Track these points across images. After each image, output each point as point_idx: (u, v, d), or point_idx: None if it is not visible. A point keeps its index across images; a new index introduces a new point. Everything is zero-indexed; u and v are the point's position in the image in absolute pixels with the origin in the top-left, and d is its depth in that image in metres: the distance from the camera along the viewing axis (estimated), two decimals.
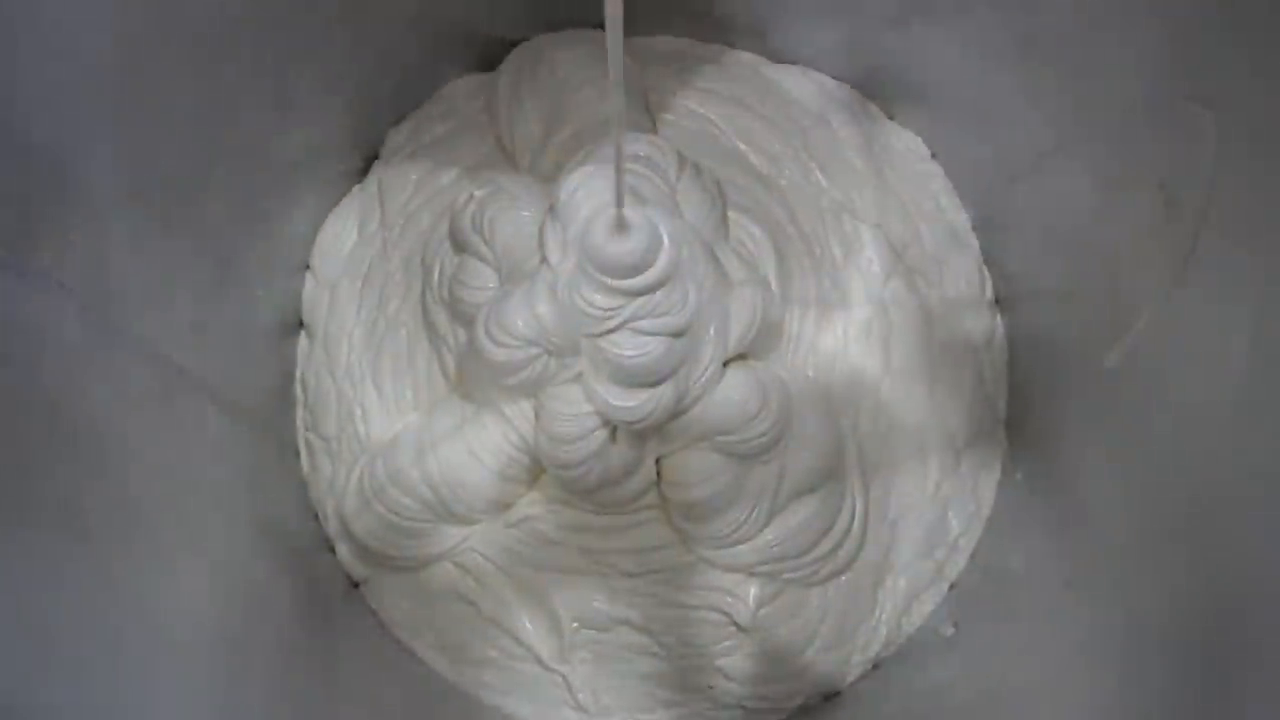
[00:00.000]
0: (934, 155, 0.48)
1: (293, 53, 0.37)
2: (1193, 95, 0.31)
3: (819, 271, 0.46)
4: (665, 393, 0.38)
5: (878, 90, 0.48)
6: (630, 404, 0.38)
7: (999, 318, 0.47)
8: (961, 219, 0.48)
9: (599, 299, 0.37)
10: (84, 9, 0.28)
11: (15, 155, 0.27)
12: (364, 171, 0.48)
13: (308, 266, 0.47)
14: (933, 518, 0.46)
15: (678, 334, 0.38)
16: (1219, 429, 0.31)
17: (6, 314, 0.27)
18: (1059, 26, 0.36)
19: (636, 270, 0.36)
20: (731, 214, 0.44)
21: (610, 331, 0.37)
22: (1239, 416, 0.30)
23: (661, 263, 0.36)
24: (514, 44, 0.48)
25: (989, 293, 0.48)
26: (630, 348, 0.37)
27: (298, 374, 0.47)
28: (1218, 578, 0.30)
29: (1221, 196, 0.31)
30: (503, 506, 0.43)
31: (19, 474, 0.27)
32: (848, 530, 0.44)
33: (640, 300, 0.37)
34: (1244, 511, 0.30)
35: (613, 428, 0.39)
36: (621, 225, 0.35)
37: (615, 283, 0.36)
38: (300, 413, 0.47)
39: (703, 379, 0.39)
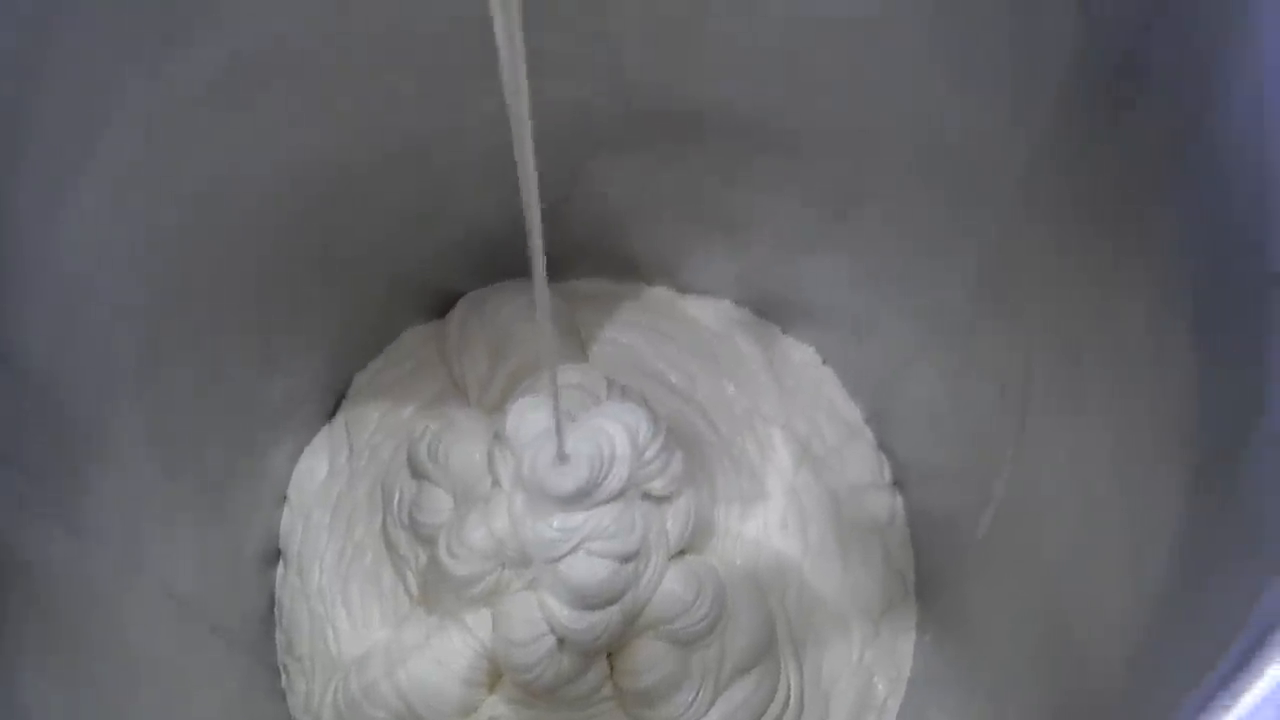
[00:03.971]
0: (825, 361, 0.56)
1: (277, 321, 0.44)
2: (1005, 310, 0.39)
3: (739, 470, 0.53)
4: (614, 615, 0.43)
5: (772, 311, 0.56)
6: (582, 626, 0.42)
7: (898, 497, 0.54)
8: (855, 414, 0.55)
9: (555, 522, 0.42)
10: (117, 292, 0.35)
11: (51, 414, 0.33)
12: (334, 411, 0.54)
13: (286, 499, 0.52)
14: (861, 684, 0.50)
15: (626, 559, 0.43)
16: (1069, 579, 0.37)
17: (28, 549, 0.31)
18: (902, 259, 0.45)
19: (580, 494, 0.42)
20: None
21: (564, 555, 0.42)
22: (1082, 566, 0.36)
23: (611, 486, 0.42)
24: (461, 294, 0.55)
25: (887, 476, 0.54)
26: (582, 570, 0.42)
27: (276, 599, 0.51)
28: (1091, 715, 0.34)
29: (1038, 385, 0.38)
30: (469, 710, 0.46)
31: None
32: (786, 703, 0.48)
33: (593, 523, 0.42)
34: (1100, 651, 0.35)
35: None
36: (562, 455, 0.41)
37: (560, 489, 0.41)
38: (278, 636, 0.50)
39: (647, 591, 0.44)
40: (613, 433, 0.43)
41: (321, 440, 0.54)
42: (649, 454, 0.44)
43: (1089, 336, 0.34)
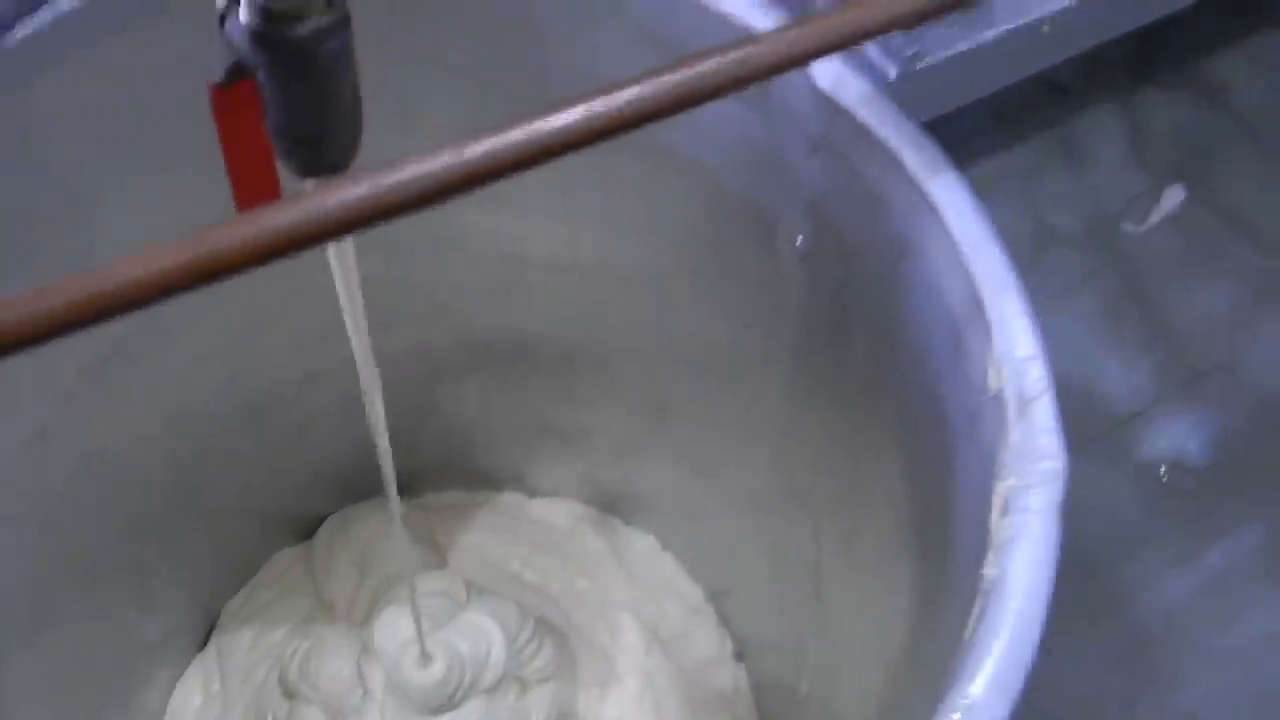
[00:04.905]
0: (664, 548, 0.61)
1: (153, 561, 0.48)
2: (793, 491, 0.47)
3: (595, 657, 0.57)
4: None
5: (613, 506, 0.62)
6: None
7: (741, 669, 0.59)
8: (696, 594, 0.60)
9: None
10: (13, 547, 0.38)
11: None
12: (206, 639, 0.56)
13: None
14: None
15: None
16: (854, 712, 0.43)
17: None
18: (712, 453, 0.52)
19: (445, 694, 0.46)
20: None
21: None
22: (862, 695, 0.42)
23: (488, 678, 0.46)
24: (325, 516, 0.59)
25: (729, 649, 0.60)
26: None
27: None
28: None
29: (825, 553, 0.45)
30: None
31: None
32: None
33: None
34: None
35: None
36: (425, 659, 0.45)
37: (427, 690, 0.46)
38: None
39: None
40: (486, 627, 0.48)
41: (194, 670, 0.56)
42: (521, 640, 0.48)
43: (849, 503, 0.42)
